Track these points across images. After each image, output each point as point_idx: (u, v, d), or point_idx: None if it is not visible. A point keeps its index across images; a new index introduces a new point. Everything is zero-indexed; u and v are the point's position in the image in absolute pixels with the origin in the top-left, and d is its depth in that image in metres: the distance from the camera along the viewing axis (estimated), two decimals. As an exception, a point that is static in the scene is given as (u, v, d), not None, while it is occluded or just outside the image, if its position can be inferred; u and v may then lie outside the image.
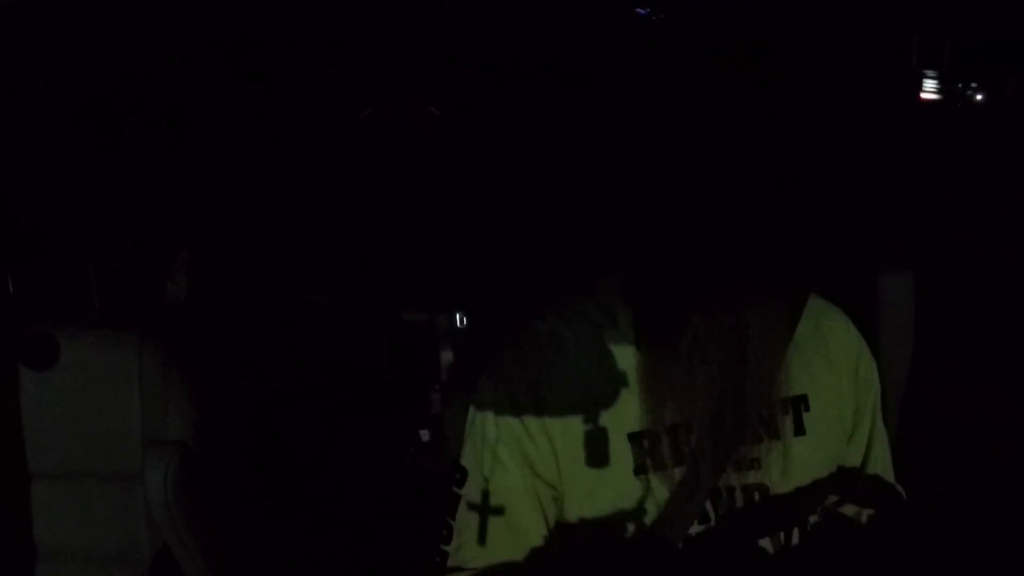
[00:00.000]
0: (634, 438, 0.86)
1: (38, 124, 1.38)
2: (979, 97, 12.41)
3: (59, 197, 1.43)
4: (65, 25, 1.15)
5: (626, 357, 0.87)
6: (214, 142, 1.82)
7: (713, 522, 0.87)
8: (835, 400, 0.94)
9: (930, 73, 11.33)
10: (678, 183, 0.80)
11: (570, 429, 0.87)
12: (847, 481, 0.97)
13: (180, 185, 1.72)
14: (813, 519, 0.93)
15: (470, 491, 0.90)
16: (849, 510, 0.99)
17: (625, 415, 0.86)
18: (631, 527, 0.86)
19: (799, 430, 0.90)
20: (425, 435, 2.00)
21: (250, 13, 1.19)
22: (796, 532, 0.90)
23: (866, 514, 0.98)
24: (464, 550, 0.90)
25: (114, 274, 1.37)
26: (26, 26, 1.09)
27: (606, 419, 0.86)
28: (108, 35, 1.24)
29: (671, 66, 0.87)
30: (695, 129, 0.81)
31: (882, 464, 1.00)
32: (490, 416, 0.89)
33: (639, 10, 1.06)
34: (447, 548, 0.92)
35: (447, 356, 2.13)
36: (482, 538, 0.88)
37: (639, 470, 0.86)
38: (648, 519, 0.86)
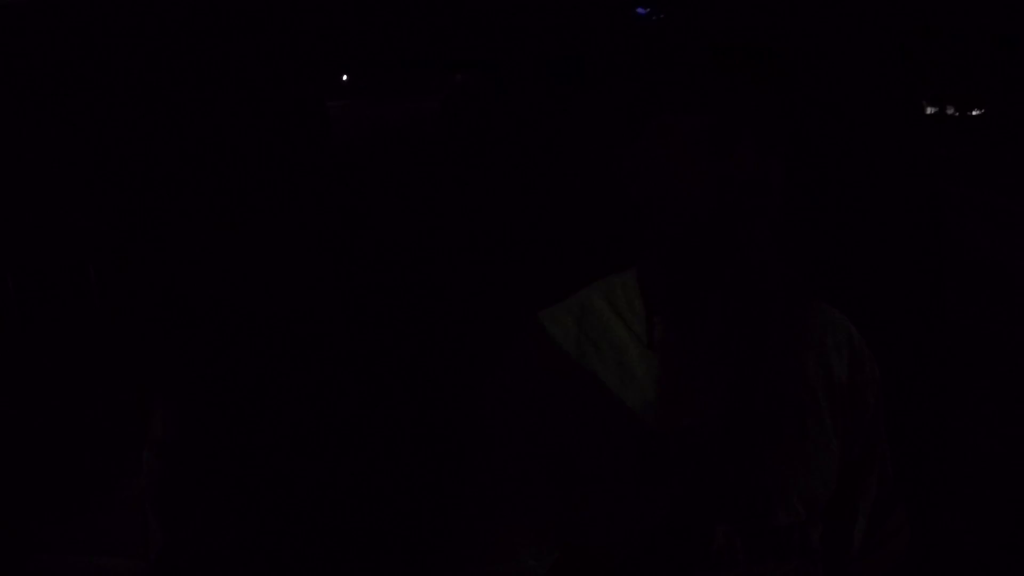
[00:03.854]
0: (645, 438, 0.86)
1: (38, 123, 1.38)
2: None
3: (59, 197, 1.43)
4: (66, 24, 1.15)
5: (639, 357, 0.87)
6: (216, 142, 1.82)
7: (720, 523, 0.86)
8: (837, 401, 0.94)
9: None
10: (694, 183, 0.80)
11: (581, 428, 0.87)
12: (851, 482, 0.96)
13: (182, 184, 1.72)
14: (818, 520, 0.93)
15: (480, 480, 0.90)
16: (852, 510, 0.99)
17: (636, 415, 0.86)
18: (639, 528, 0.86)
19: (804, 431, 0.90)
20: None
21: (255, 12, 1.19)
22: (802, 533, 0.90)
23: (868, 515, 0.98)
24: (469, 540, 0.90)
25: (114, 274, 1.37)
26: (27, 25, 1.09)
27: (617, 419, 0.86)
28: (110, 34, 1.24)
29: (672, 66, 0.87)
30: (689, 127, 0.81)
31: (884, 465, 1.00)
32: (501, 411, 0.90)
33: (639, 10, 1.06)
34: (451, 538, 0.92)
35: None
36: (488, 532, 0.88)
37: (649, 470, 0.85)
38: (655, 520, 0.85)
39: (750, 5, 1.02)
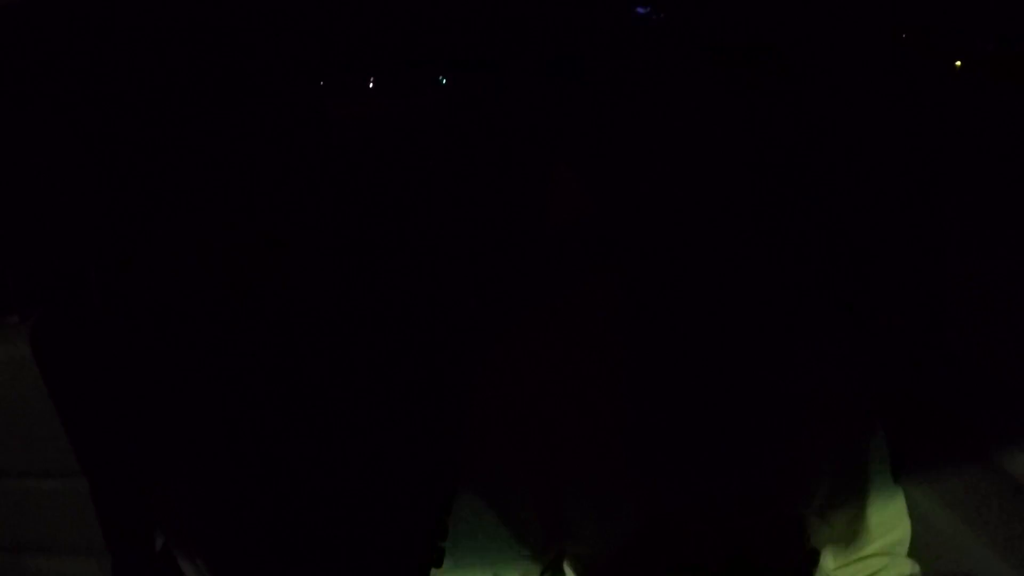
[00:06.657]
0: (625, 434, 0.86)
1: (38, 125, 1.38)
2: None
3: (59, 197, 1.43)
4: (66, 25, 1.15)
5: (615, 355, 0.87)
6: (215, 140, 1.82)
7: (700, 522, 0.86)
8: (831, 400, 0.94)
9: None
10: (671, 182, 0.81)
11: (563, 423, 0.87)
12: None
13: (181, 184, 1.72)
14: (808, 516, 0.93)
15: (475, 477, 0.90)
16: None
17: (616, 414, 0.86)
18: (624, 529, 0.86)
19: (794, 428, 0.90)
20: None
21: (256, 13, 1.19)
22: (790, 530, 0.90)
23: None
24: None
25: (114, 274, 1.37)
26: (27, 26, 1.09)
27: (597, 415, 0.87)
28: (108, 34, 1.24)
29: (670, 65, 0.87)
30: (690, 127, 0.81)
31: (879, 465, 1.00)
32: (493, 410, 0.90)
33: (639, 9, 1.07)
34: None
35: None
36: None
37: (631, 465, 0.86)
38: (640, 519, 0.86)
39: (749, 7, 1.02)
